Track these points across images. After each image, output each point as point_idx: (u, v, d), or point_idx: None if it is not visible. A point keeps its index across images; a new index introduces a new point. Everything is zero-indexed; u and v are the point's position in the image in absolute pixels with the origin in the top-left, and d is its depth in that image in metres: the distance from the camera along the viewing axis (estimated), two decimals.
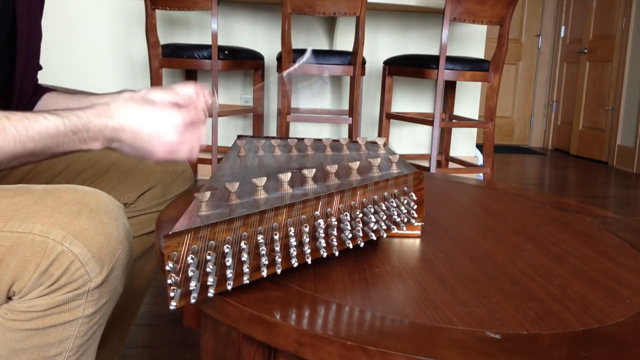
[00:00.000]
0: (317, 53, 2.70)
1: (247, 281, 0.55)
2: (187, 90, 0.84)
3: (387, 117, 2.99)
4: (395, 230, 0.67)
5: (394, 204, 0.69)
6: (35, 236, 0.63)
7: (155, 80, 2.76)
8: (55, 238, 0.63)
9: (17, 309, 0.65)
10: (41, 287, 0.64)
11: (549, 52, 5.78)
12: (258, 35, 3.25)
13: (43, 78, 0.99)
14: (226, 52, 2.67)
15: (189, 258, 0.52)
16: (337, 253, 0.62)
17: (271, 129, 3.32)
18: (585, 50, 5.12)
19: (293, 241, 0.58)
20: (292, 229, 0.58)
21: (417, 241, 0.77)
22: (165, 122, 0.74)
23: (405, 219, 0.70)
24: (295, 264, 0.59)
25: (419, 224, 0.76)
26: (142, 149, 0.74)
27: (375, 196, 0.68)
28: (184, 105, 0.82)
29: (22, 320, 0.65)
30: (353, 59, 2.67)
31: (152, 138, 0.73)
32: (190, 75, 3.15)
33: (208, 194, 0.61)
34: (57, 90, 0.98)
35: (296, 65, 0.90)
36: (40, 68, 0.98)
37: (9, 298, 0.66)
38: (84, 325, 0.68)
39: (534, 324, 0.53)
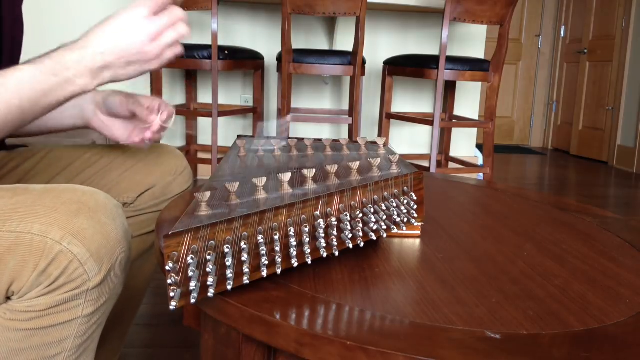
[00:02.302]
0: (317, 53, 2.70)
1: (247, 281, 0.55)
2: (147, 101, 0.89)
3: (387, 117, 2.99)
4: (395, 230, 0.67)
5: (394, 204, 0.69)
6: (34, 236, 0.63)
7: (156, 80, 2.76)
8: (53, 238, 0.63)
9: (16, 309, 0.65)
10: (40, 287, 0.64)
11: (549, 52, 5.78)
12: (258, 35, 3.25)
13: None
14: (226, 52, 2.67)
15: (189, 258, 0.52)
16: (337, 253, 0.62)
17: (271, 129, 3.32)
18: (585, 50, 5.12)
19: (293, 241, 0.58)
20: (292, 229, 0.58)
21: (417, 241, 0.77)
22: (132, 18, 0.72)
23: (405, 219, 0.70)
24: (295, 264, 0.59)
25: (419, 224, 0.76)
26: (132, 60, 0.72)
27: (375, 196, 0.68)
28: (138, 117, 0.85)
29: (21, 320, 0.65)
30: (353, 59, 2.67)
31: (132, 42, 0.71)
32: (190, 75, 3.15)
33: (208, 194, 0.61)
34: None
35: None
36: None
37: (8, 298, 0.66)
38: (83, 325, 0.68)
39: (534, 324, 0.53)
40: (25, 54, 0.95)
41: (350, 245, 0.62)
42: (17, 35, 0.91)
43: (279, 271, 0.58)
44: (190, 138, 3.20)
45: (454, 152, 3.44)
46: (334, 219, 0.62)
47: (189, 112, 3.08)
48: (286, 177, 0.66)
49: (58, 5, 3.04)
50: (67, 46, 0.71)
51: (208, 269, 0.52)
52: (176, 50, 0.75)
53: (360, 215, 0.65)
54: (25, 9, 0.95)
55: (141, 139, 0.92)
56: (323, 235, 0.60)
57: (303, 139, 0.94)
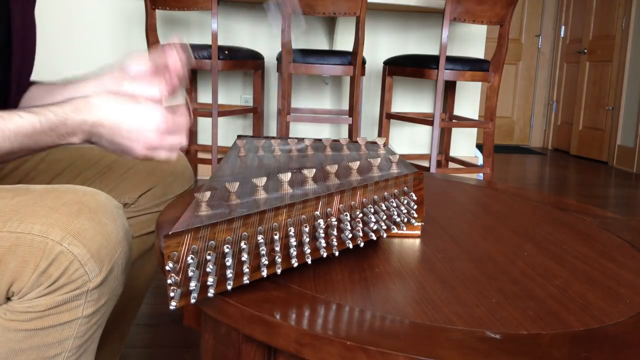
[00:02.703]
0: (317, 53, 2.70)
1: (247, 281, 0.55)
2: (161, 52, 0.85)
3: (387, 117, 2.99)
4: (395, 230, 0.67)
5: (394, 204, 0.69)
6: (35, 236, 0.63)
7: None
8: (54, 238, 0.63)
9: (16, 309, 0.65)
10: (40, 288, 0.64)
11: (549, 52, 5.78)
12: (258, 35, 3.25)
13: (43, 78, 0.99)
14: (226, 52, 2.67)
15: (189, 258, 0.52)
16: (337, 253, 0.62)
17: (271, 129, 3.32)
18: (585, 50, 5.12)
19: (293, 241, 0.58)
20: (292, 229, 0.58)
21: (417, 241, 0.77)
22: (146, 119, 0.73)
23: (405, 219, 0.70)
24: (295, 264, 0.59)
25: (419, 224, 0.76)
26: (120, 145, 0.73)
27: (375, 196, 0.68)
28: (160, 70, 0.82)
29: (21, 320, 0.65)
30: (353, 59, 2.67)
31: (132, 134, 0.72)
32: (190, 75, 3.15)
33: (208, 194, 0.61)
34: (42, 83, 0.97)
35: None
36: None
37: (8, 298, 0.66)
38: (83, 326, 0.68)
39: (534, 324, 0.53)
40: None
41: (350, 245, 0.62)
42: (28, 37, 0.90)
43: (279, 271, 0.58)
44: (191, 139, 3.19)
45: (454, 152, 3.44)
46: (334, 219, 0.62)
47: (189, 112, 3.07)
48: (286, 177, 0.66)
49: (58, 5, 3.04)
50: (75, 103, 0.72)
51: (208, 269, 0.52)
52: (171, 155, 0.77)
53: (360, 215, 0.65)
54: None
55: (172, 88, 0.88)
56: (323, 235, 0.60)
57: (303, 138, 0.94)
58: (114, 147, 0.74)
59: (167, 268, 0.52)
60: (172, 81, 0.86)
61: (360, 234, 0.63)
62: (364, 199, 0.67)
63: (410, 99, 3.45)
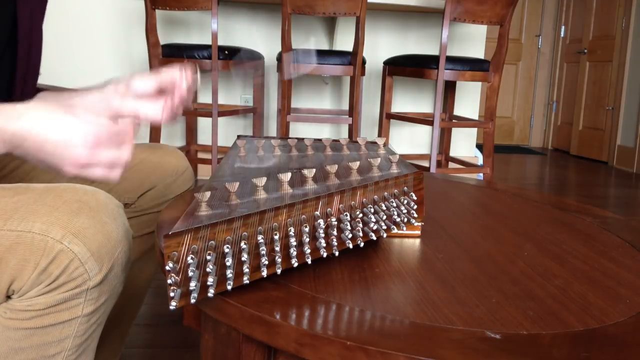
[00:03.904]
0: (317, 53, 2.70)
1: (247, 281, 0.55)
2: (170, 73, 0.80)
3: (387, 117, 2.99)
4: (395, 230, 0.67)
5: (394, 204, 0.69)
6: (35, 235, 0.63)
7: None
8: (54, 237, 0.63)
9: (16, 307, 0.65)
10: (40, 286, 0.64)
11: (549, 52, 5.78)
12: (258, 35, 3.25)
13: (42, 78, 0.99)
14: (226, 52, 2.67)
15: (189, 258, 0.52)
16: (337, 253, 0.62)
17: (271, 129, 3.32)
18: (585, 50, 5.12)
19: (293, 241, 0.58)
20: (292, 229, 0.58)
21: (417, 241, 0.77)
22: (75, 132, 0.64)
23: (405, 219, 0.70)
24: (295, 264, 0.59)
25: (419, 224, 0.76)
26: (47, 161, 0.65)
27: (375, 196, 0.68)
28: (166, 90, 0.77)
29: (21, 319, 0.65)
30: (353, 59, 2.67)
31: (57, 149, 0.64)
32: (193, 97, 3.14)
33: (208, 194, 0.61)
34: (49, 89, 0.97)
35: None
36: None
37: (8, 297, 0.66)
38: (83, 325, 0.68)
39: (534, 324, 0.53)
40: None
41: (350, 245, 0.62)
42: (35, 43, 0.90)
43: (279, 271, 0.58)
44: (191, 139, 3.19)
45: (454, 152, 3.44)
46: (334, 219, 0.62)
47: (189, 112, 3.08)
48: (286, 177, 0.66)
49: (58, 5, 3.04)
50: (3, 108, 0.64)
51: (208, 269, 0.52)
52: (110, 174, 0.67)
53: (360, 215, 0.65)
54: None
55: (172, 111, 0.82)
56: (323, 235, 0.60)
57: (303, 139, 0.94)
58: (41, 164, 0.66)
59: (167, 268, 0.52)
60: (173, 104, 0.79)
61: (360, 234, 0.63)
62: (364, 199, 0.67)
63: (410, 99, 3.45)
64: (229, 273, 0.54)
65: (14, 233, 0.63)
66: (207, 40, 2.63)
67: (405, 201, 0.71)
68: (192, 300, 0.52)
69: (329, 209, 0.63)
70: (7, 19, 0.82)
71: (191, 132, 3.19)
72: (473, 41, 3.44)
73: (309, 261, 0.59)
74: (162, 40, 2.75)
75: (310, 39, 3.31)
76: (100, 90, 0.86)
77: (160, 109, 0.74)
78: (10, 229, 0.63)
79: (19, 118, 0.64)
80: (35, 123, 0.64)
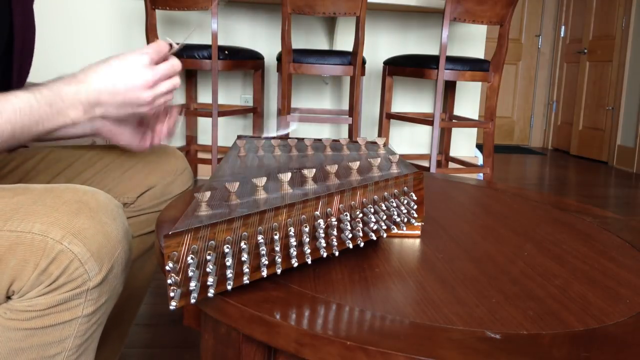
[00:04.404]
0: (317, 53, 2.70)
1: (247, 281, 0.55)
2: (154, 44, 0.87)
3: (387, 117, 2.99)
4: (395, 230, 0.67)
5: (394, 204, 0.69)
6: (35, 235, 0.63)
7: None
8: (54, 237, 0.63)
9: (17, 308, 0.65)
10: (40, 287, 0.64)
11: (549, 52, 5.78)
12: (258, 35, 3.25)
13: (43, 78, 0.99)
14: (226, 52, 2.67)
15: (189, 258, 0.52)
16: (337, 253, 0.62)
17: (271, 129, 3.32)
18: (585, 50, 5.12)
19: (293, 241, 0.58)
20: (292, 229, 0.58)
21: (417, 241, 0.77)
22: (133, 65, 0.74)
23: (405, 219, 0.70)
24: (295, 264, 0.59)
25: (419, 224, 0.76)
26: (126, 102, 0.75)
27: (375, 196, 0.68)
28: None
29: (21, 319, 0.65)
30: (353, 59, 2.67)
31: (129, 86, 0.74)
32: (190, 75, 3.15)
33: (208, 194, 0.61)
34: (35, 84, 0.98)
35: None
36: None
37: (8, 297, 0.66)
38: (83, 325, 0.68)
39: (534, 324, 0.53)
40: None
41: (350, 245, 0.62)
42: (28, 37, 0.90)
43: (279, 271, 0.58)
44: (191, 139, 3.19)
45: (454, 152, 3.44)
46: (334, 219, 0.62)
47: (189, 112, 3.08)
48: (286, 177, 0.66)
49: (58, 5, 3.04)
50: (65, 79, 0.73)
51: (208, 269, 0.52)
52: (168, 97, 0.80)
53: (360, 215, 0.65)
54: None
55: (149, 144, 0.92)
56: (323, 235, 0.60)
57: (303, 139, 0.94)
58: (122, 109, 0.75)
59: (167, 268, 0.52)
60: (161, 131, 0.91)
61: (360, 234, 0.63)
62: (364, 199, 0.67)
63: (410, 99, 3.45)
64: (229, 273, 0.54)
65: (14, 234, 0.63)
66: (207, 40, 2.63)
67: (405, 201, 0.71)
68: (192, 300, 0.52)
69: (329, 209, 0.63)
70: (5, 19, 0.82)
71: (191, 132, 3.19)
72: (473, 41, 3.44)
73: (309, 261, 0.59)
74: None
75: (310, 39, 3.31)
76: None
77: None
78: (10, 230, 0.63)
79: (86, 79, 0.73)
80: (102, 77, 0.73)
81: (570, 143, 5.32)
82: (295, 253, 0.58)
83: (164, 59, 0.79)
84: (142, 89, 0.75)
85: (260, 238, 0.56)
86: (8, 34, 0.84)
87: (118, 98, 0.74)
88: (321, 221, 0.61)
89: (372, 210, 0.66)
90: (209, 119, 2.77)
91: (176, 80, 0.80)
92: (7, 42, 0.84)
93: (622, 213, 3.03)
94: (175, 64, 0.79)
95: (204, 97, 3.25)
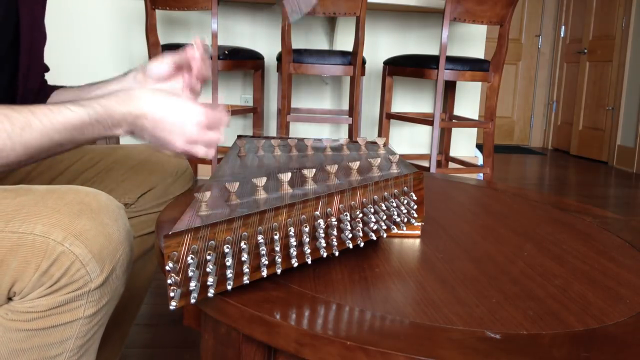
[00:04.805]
0: (317, 53, 2.70)
1: (247, 281, 0.55)
2: (182, 52, 0.88)
3: (387, 117, 2.99)
4: (395, 230, 0.68)
5: (394, 204, 0.69)
6: (36, 237, 0.63)
7: None
8: (56, 239, 0.63)
9: (18, 309, 0.65)
10: (42, 288, 0.64)
11: (549, 52, 5.78)
12: (258, 35, 3.25)
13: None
14: (226, 52, 2.67)
15: (189, 258, 0.52)
16: (337, 253, 0.62)
17: (271, 129, 3.32)
18: (585, 50, 5.12)
19: (293, 241, 0.58)
20: (292, 229, 0.58)
21: (417, 241, 0.77)
22: (189, 114, 0.75)
23: (405, 219, 0.70)
24: (295, 264, 0.59)
25: (419, 224, 0.76)
26: (162, 138, 0.75)
27: (375, 196, 0.68)
28: (182, 68, 0.85)
29: (22, 320, 0.65)
30: (353, 59, 2.67)
31: (175, 127, 0.75)
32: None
33: (208, 194, 0.61)
34: (65, 87, 0.99)
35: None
36: (46, 70, 0.98)
37: (10, 299, 0.66)
38: (85, 326, 0.68)
39: (534, 324, 0.53)
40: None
41: (350, 245, 0.62)
42: (36, 40, 0.90)
43: (279, 271, 0.58)
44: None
45: (454, 152, 3.44)
46: (334, 219, 0.62)
47: None
48: (286, 177, 0.66)
49: (58, 5, 3.04)
50: (119, 96, 0.74)
51: (208, 269, 0.52)
52: (209, 150, 0.79)
53: (360, 215, 0.65)
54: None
55: (191, 86, 0.91)
56: (323, 235, 0.60)
57: (303, 139, 0.94)
58: (155, 140, 0.76)
59: (167, 268, 0.52)
60: (192, 80, 0.89)
61: (360, 234, 0.63)
62: (364, 199, 0.67)
63: (410, 99, 3.45)
64: (229, 273, 0.54)
65: (16, 235, 0.63)
66: (207, 40, 2.63)
67: (405, 201, 0.71)
68: (192, 300, 0.52)
69: (329, 209, 0.63)
70: (12, 18, 0.82)
71: None
72: (473, 41, 3.44)
73: (309, 261, 0.59)
74: (162, 40, 2.75)
75: (310, 39, 3.31)
76: (120, 80, 0.89)
77: (180, 87, 0.88)
78: (11, 231, 0.63)
79: (140, 102, 0.74)
80: (155, 106, 0.74)
81: (570, 143, 5.32)
82: (295, 253, 0.58)
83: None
84: (181, 140, 0.75)
85: (260, 238, 0.56)
86: (14, 33, 0.84)
87: (157, 132, 0.75)
88: (321, 221, 0.61)
89: (372, 210, 0.66)
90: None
91: (220, 136, 0.80)
92: (12, 42, 0.84)
93: (622, 213, 3.03)
94: (224, 118, 0.80)
95: (204, 97, 3.24)
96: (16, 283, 0.64)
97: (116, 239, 0.68)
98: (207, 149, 0.78)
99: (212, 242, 0.54)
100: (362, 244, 0.65)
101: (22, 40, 0.85)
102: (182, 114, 0.75)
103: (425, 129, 3.48)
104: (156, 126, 0.74)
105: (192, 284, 0.52)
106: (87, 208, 0.67)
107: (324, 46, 3.34)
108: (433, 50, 3.27)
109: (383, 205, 0.68)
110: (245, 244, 0.55)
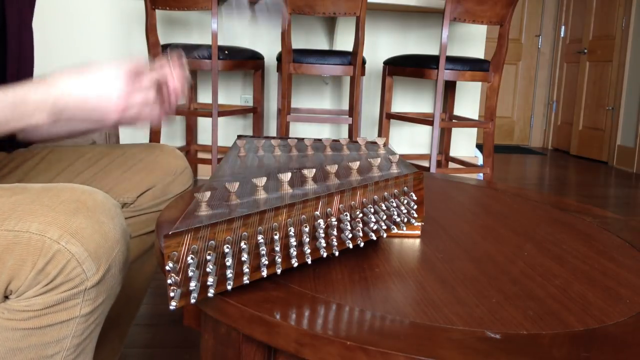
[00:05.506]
0: (317, 53, 2.70)
1: (247, 281, 0.55)
2: (158, 70, 0.84)
3: (387, 117, 2.99)
4: (395, 230, 0.67)
5: (394, 204, 0.69)
6: (32, 235, 0.63)
7: None
8: (51, 237, 0.63)
9: (14, 308, 0.65)
10: (38, 286, 0.64)
11: (549, 52, 5.78)
12: (258, 35, 3.25)
13: None
14: (226, 52, 2.67)
15: (189, 258, 0.52)
16: (337, 253, 0.61)
17: (271, 129, 3.32)
18: (585, 50, 5.12)
19: (293, 241, 0.58)
20: (292, 229, 0.58)
21: (417, 241, 0.77)
22: (107, 77, 0.73)
23: (405, 219, 0.70)
24: (295, 264, 0.58)
25: (419, 224, 0.76)
26: (93, 113, 0.73)
27: (375, 196, 0.68)
28: (158, 87, 0.82)
29: (19, 319, 0.65)
30: (353, 59, 2.67)
31: (99, 103, 0.72)
32: (190, 75, 3.14)
33: (208, 194, 0.61)
34: None
35: None
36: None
37: (6, 297, 0.66)
38: (81, 325, 0.68)
39: (534, 324, 0.53)
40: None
41: (350, 245, 0.62)
42: (25, 41, 0.90)
43: (279, 271, 0.58)
44: (190, 139, 3.19)
45: (454, 152, 3.44)
46: (334, 219, 0.62)
47: (189, 112, 3.08)
48: (286, 177, 0.66)
49: (58, 5, 3.04)
50: (35, 82, 0.72)
51: (208, 269, 0.52)
52: (143, 109, 0.76)
53: (360, 215, 0.65)
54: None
55: (164, 111, 0.86)
56: (323, 235, 0.60)
57: (303, 139, 0.94)
58: (89, 118, 0.74)
59: (167, 268, 0.52)
60: (170, 99, 0.85)
61: (360, 234, 0.63)
62: (364, 199, 0.67)
63: (410, 99, 3.45)
64: (229, 273, 0.54)
65: (12, 233, 0.63)
66: (207, 40, 2.63)
67: (405, 201, 0.71)
68: (192, 300, 0.52)
69: (329, 209, 0.63)
70: None
71: (191, 132, 3.19)
72: (473, 41, 3.44)
73: (309, 261, 0.58)
74: (162, 40, 2.75)
75: (310, 39, 3.31)
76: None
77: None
78: (7, 229, 0.63)
79: (54, 86, 0.71)
80: (72, 86, 0.72)
81: (570, 143, 5.32)
82: (295, 253, 0.58)
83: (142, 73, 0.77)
84: (113, 107, 0.73)
85: (260, 238, 0.56)
86: (0, 35, 0.83)
87: (86, 108, 0.73)
88: (321, 221, 0.61)
89: (372, 210, 0.66)
90: (209, 119, 2.77)
91: (150, 94, 0.77)
92: (0, 37, 0.84)
93: (622, 213, 3.03)
94: (150, 77, 0.77)
95: (204, 97, 3.25)
96: (12, 281, 0.64)
97: (112, 238, 0.68)
98: (151, 113, 0.76)
99: (212, 242, 0.54)
100: (362, 244, 0.65)
101: (10, 43, 0.85)
102: (102, 82, 0.73)
103: (425, 129, 3.48)
104: (82, 102, 0.72)
105: (192, 284, 0.52)
106: (83, 206, 0.67)
107: (324, 46, 3.34)
108: (433, 50, 3.27)
109: (383, 205, 0.68)
110: (245, 244, 0.55)
